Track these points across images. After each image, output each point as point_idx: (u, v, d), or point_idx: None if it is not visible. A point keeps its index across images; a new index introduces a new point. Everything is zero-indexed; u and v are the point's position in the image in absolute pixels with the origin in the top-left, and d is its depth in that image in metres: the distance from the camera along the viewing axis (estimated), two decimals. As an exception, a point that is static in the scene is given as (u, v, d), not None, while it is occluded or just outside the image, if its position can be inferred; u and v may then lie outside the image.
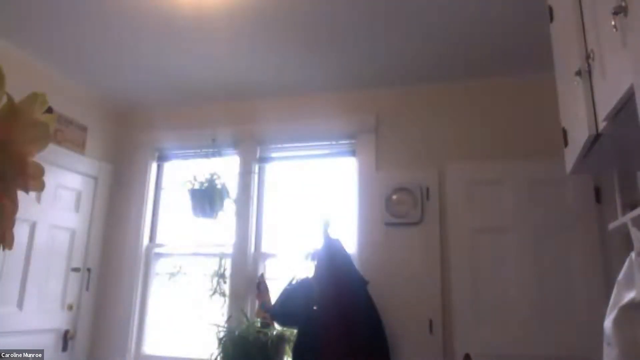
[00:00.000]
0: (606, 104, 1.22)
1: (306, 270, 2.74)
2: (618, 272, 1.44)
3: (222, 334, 2.73)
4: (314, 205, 3.10)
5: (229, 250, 3.12)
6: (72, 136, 3.11)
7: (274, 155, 3.31)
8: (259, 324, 2.77)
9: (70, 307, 3.06)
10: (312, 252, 2.75)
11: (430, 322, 2.65)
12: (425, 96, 3.02)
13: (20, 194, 0.56)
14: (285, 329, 2.71)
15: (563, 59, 1.75)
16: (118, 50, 2.72)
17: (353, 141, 3.09)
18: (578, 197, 2.54)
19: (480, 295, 2.58)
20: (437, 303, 2.67)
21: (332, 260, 2.64)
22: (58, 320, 2.99)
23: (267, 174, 3.31)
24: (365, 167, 3.00)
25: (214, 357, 2.69)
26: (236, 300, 2.98)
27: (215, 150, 3.24)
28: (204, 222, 3.13)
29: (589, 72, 1.38)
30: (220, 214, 3.10)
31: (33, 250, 2.80)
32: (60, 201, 3.02)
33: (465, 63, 2.77)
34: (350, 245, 2.87)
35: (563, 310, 2.44)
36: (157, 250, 3.35)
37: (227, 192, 3.14)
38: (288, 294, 2.68)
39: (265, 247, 3.17)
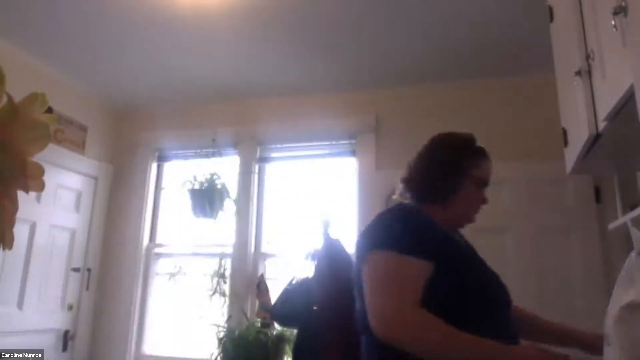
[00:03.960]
0: (606, 104, 1.23)
1: (306, 270, 2.74)
2: (618, 272, 1.44)
3: (222, 334, 2.73)
4: (314, 206, 3.10)
5: (229, 250, 3.11)
6: (72, 136, 3.11)
7: (274, 155, 3.31)
8: (259, 324, 2.77)
9: (70, 307, 3.06)
10: (312, 252, 2.74)
11: (430, 322, 2.65)
12: (425, 96, 3.02)
13: (20, 194, 0.56)
14: (285, 329, 2.71)
15: (563, 59, 1.75)
16: (118, 50, 2.72)
17: (353, 141, 3.08)
18: (578, 197, 2.54)
19: (480, 295, 2.57)
20: (437, 303, 2.67)
21: (332, 260, 2.63)
22: (58, 320, 2.98)
23: (267, 174, 3.31)
24: (365, 167, 3.00)
25: (214, 357, 2.69)
26: (236, 300, 2.98)
27: (215, 150, 3.24)
28: (204, 222, 3.13)
29: (589, 72, 1.38)
30: (220, 214, 3.10)
31: (33, 250, 2.80)
32: (60, 201, 3.02)
33: (465, 63, 2.77)
34: (351, 245, 2.86)
35: (563, 310, 2.44)
36: (157, 250, 3.35)
37: (227, 192, 3.14)
38: (288, 294, 2.67)
39: (265, 247, 3.17)
